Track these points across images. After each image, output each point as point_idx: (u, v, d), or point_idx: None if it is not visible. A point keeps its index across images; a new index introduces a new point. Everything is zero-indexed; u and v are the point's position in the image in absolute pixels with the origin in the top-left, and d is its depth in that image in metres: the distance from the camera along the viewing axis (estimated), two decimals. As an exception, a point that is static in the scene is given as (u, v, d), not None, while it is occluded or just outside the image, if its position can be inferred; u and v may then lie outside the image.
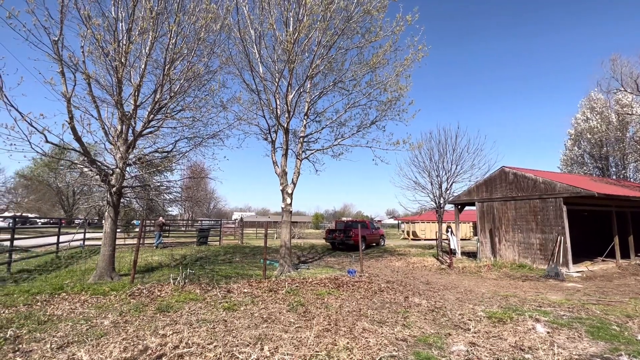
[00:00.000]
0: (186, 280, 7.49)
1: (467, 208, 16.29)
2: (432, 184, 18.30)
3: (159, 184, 9.16)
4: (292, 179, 10.81)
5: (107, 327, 4.61)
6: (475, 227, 36.26)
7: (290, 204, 10.50)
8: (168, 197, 10.52)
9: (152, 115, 8.55)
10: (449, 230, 11.91)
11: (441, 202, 18.13)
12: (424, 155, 18.88)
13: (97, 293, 6.39)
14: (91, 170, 7.54)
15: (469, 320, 5.44)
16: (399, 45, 10.63)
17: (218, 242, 19.29)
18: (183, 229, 28.31)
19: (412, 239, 31.56)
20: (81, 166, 7.59)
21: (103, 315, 5.15)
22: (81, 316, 5.11)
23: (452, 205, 18.34)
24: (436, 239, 17.87)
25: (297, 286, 7.83)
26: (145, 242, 17.26)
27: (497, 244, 12.50)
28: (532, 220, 11.47)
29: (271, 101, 10.43)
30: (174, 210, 39.88)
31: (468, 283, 9.23)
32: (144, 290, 6.61)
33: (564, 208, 10.61)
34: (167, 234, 23.70)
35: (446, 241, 12.99)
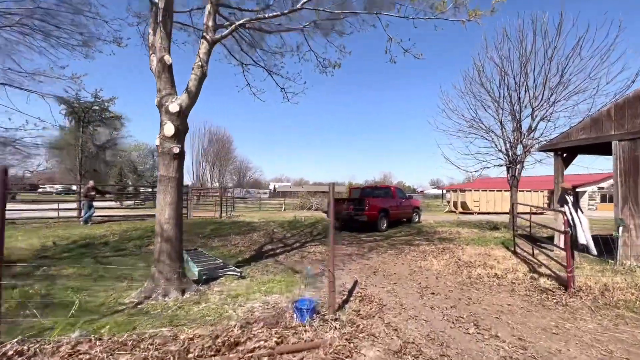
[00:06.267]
0: None
1: (573, 165, 8.88)
2: (502, 124, 11.06)
3: None
4: (188, 85, 4.69)
5: None
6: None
7: (174, 137, 4.44)
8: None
9: None
10: (566, 201, 5.16)
11: (518, 153, 10.88)
12: (488, 71, 11.63)
13: None
14: None
15: None
16: None
17: (185, 216, 14.18)
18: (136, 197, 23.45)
19: (460, 212, 24.21)
20: None
21: None
22: None
23: (534, 159, 11.06)
24: (510, 214, 11.01)
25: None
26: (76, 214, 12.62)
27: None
28: None
29: None
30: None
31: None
32: None
33: None
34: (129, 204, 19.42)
35: (561, 216, 5.77)
